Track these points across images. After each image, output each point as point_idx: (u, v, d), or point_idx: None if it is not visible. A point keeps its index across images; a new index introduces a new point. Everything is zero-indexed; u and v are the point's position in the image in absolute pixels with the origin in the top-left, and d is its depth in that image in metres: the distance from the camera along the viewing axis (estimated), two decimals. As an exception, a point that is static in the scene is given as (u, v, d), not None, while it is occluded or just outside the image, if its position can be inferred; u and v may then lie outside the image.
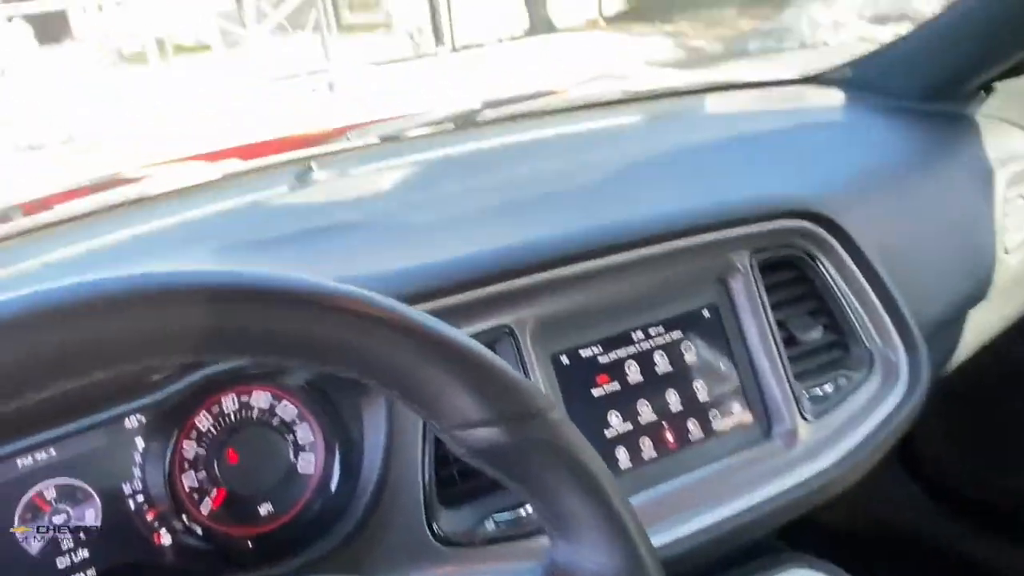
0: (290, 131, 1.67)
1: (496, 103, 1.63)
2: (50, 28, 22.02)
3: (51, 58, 10.87)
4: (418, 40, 12.94)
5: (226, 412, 0.74)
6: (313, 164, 1.25)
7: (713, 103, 1.61)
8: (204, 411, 0.73)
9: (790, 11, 11.11)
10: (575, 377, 0.87)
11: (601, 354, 0.88)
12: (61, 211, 1.17)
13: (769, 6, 11.67)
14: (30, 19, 19.59)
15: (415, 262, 0.83)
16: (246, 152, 1.52)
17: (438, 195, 1.16)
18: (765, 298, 0.96)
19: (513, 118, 1.53)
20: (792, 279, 1.01)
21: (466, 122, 1.53)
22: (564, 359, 0.87)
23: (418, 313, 0.45)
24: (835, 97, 1.54)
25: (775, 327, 0.95)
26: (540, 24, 13.01)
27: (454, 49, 12.79)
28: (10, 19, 20.01)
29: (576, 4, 16.90)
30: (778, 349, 0.95)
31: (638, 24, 12.80)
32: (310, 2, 9.41)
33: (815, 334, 0.99)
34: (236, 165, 1.35)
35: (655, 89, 1.61)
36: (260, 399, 0.75)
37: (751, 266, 0.96)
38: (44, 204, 1.27)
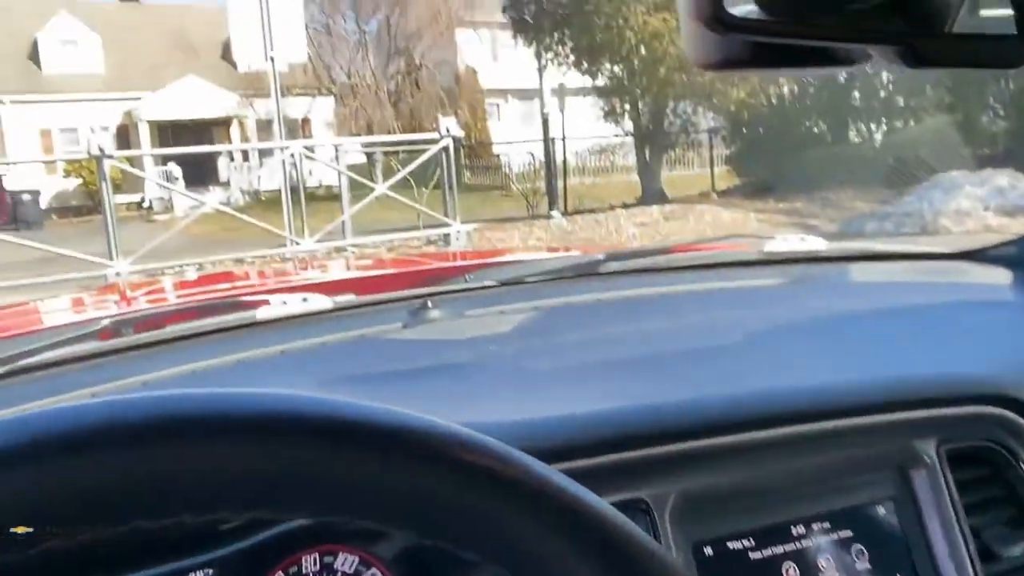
0: (410, 267, 1.65)
1: (620, 255, 1.56)
2: (199, 172, 24.22)
3: (197, 197, 11.81)
4: (533, 202, 13.42)
5: (304, 574, 0.62)
6: (429, 302, 1.19)
7: (860, 271, 1.48)
8: (280, 571, 0.62)
9: (910, 197, 10.96)
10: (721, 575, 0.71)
11: (753, 548, 0.73)
12: (172, 330, 1.13)
13: (887, 190, 11.57)
14: (182, 162, 21.68)
15: (535, 414, 0.72)
16: (361, 286, 1.49)
17: (559, 344, 1.06)
18: (956, 498, 0.78)
19: (639, 271, 1.45)
20: (987, 477, 0.83)
21: (588, 271, 1.46)
22: (708, 550, 0.71)
23: (568, 481, 0.33)
24: (1001, 275, 1.39)
25: (968, 535, 0.77)
26: (652, 195, 13.31)
27: (566, 212, 13.19)
28: (165, 162, 22.18)
29: (689, 178, 17.32)
30: (972, 564, 0.77)
31: (751, 200, 12.90)
32: (435, 162, 9.94)
33: (1016, 551, 0.80)
34: (350, 299, 1.31)
35: (794, 252, 1.50)
36: (346, 563, 0.63)
37: (939, 457, 0.79)
38: (156, 322, 1.24)
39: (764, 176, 14.01)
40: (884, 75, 13.83)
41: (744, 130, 14.24)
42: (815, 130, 14.57)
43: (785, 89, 12.84)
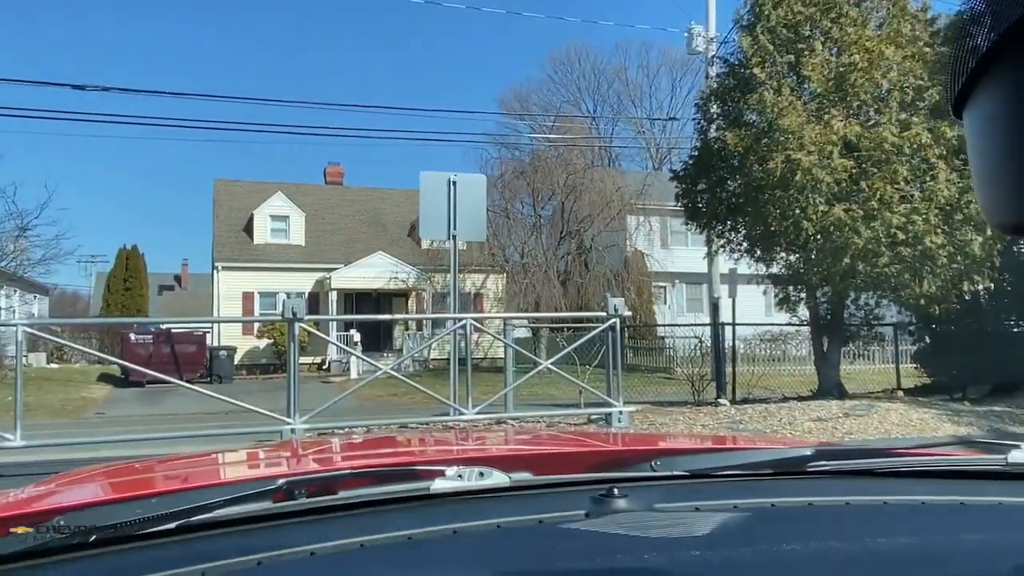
0: (589, 446, 1.53)
1: (830, 452, 1.38)
2: (377, 338, 25.65)
3: (373, 362, 12.39)
4: (699, 387, 12.98)
5: None
6: (615, 490, 1.07)
7: None
8: None
9: None
10: None
11: None
12: (344, 497, 1.08)
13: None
14: (362, 328, 23.07)
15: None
16: (537, 463, 1.39)
17: (774, 555, 0.90)
18: None
19: (857, 473, 1.26)
20: None
21: (792, 468, 1.29)
22: None
23: None
24: None
25: None
26: (830, 388, 12.51)
27: (735, 401, 12.62)
28: (348, 327, 23.67)
29: (871, 373, 16.25)
30: None
31: (943, 401, 11.81)
32: (599, 340, 9.97)
33: None
34: (527, 477, 1.21)
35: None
36: None
37: None
38: (329, 487, 1.20)
39: (957, 376, 12.87)
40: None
41: (934, 325, 13.29)
42: (1015, 329, 13.39)
43: (980, 286, 11.98)
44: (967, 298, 12.48)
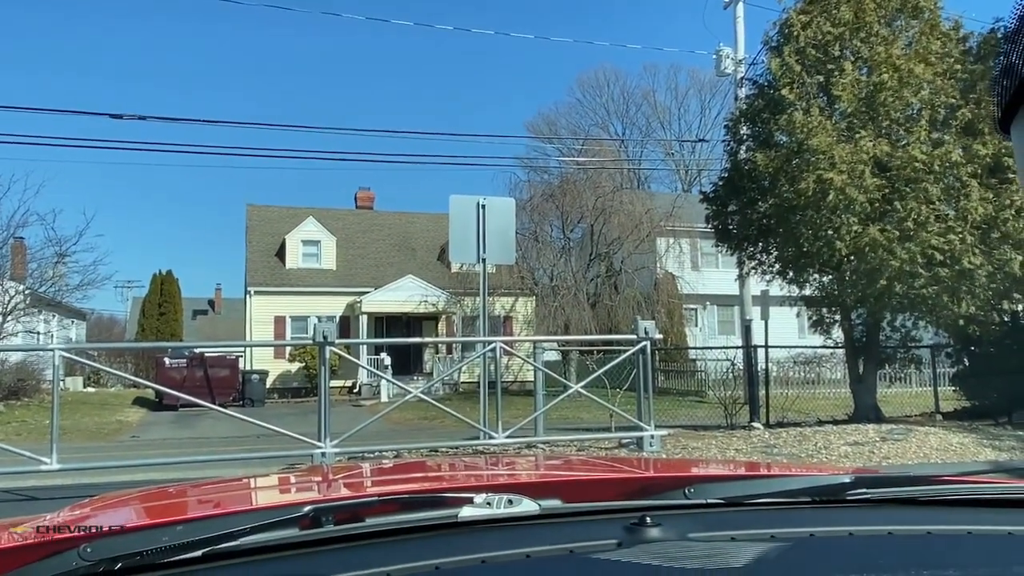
0: (620, 472, 1.49)
1: (871, 480, 1.34)
2: (407, 361, 25.73)
3: (403, 386, 12.42)
4: (732, 411, 12.81)
5: None
6: (648, 518, 1.04)
7: None
8: None
9: None
10: None
11: None
12: (372, 524, 1.06)
13: None
14: (392, 351, 23.18)
15: None
16: (568, 490, 1.36)
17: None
18: None
19: (901, 502, 1.22)
20: None
21: (831, 496, 1.25)
22: None
23: None
24: None
25: None
26: (866, 412, 12.26)
27: (768, 424, 12.42)
28: (378, 351, 23.84)
29: (908, 396, 15.89)
30: None
31: (984, 425, 11.52)
32: (630, 363, 9.89)
33: None
34: (557, 505, 1.19)
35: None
36: None
37: None
38: (356, 514, 1.18)
39: (998, 399, 12.55)
40: None
41: (973, 347, 12.98)
42: (1059, 350, 13.04)
43: (1021, 306, 11.71)
44: (1007, 319, 12.20)
